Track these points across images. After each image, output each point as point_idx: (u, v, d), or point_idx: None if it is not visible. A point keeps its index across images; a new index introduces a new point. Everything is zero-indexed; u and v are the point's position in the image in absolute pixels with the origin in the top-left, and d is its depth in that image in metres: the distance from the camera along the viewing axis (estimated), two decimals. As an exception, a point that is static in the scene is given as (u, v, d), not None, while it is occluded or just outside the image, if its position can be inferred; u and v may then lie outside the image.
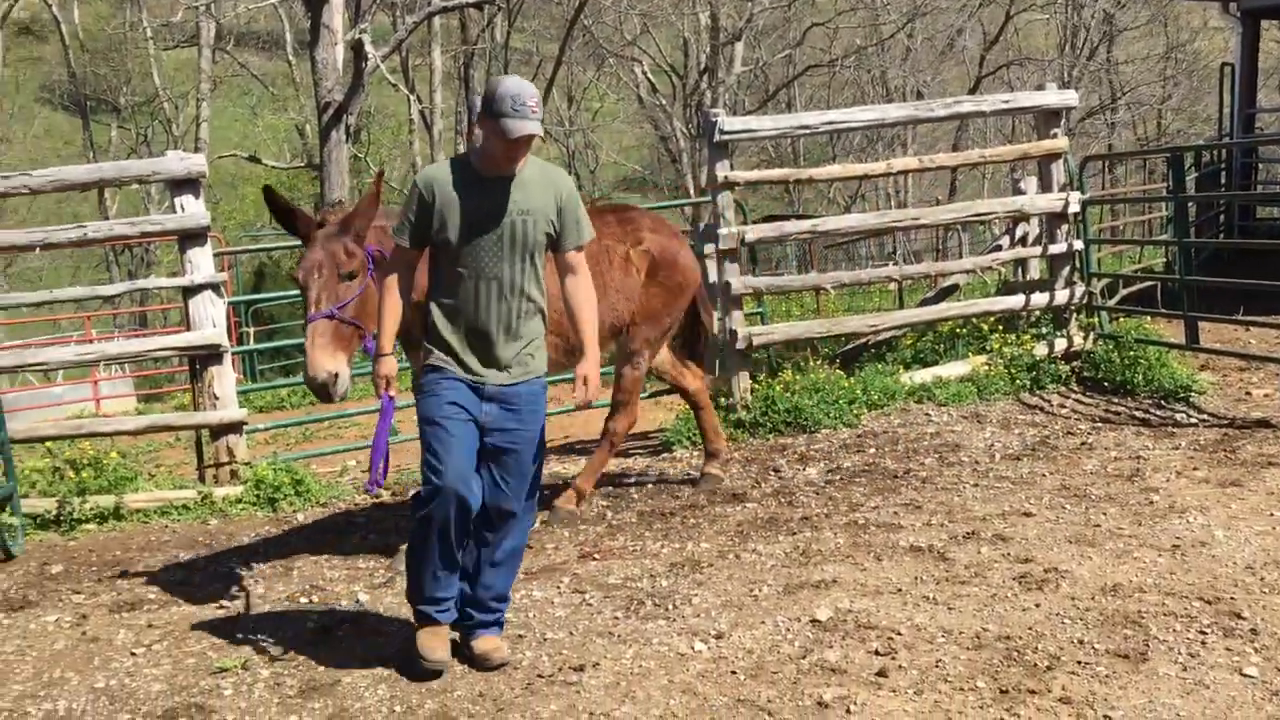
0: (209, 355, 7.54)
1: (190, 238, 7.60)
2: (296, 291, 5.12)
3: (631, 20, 29.92)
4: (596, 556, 5.82)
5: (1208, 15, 32.14)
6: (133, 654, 4.83)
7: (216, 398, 7.53)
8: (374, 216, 4.90)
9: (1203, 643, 4.27)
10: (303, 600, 5.38)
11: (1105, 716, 3.75)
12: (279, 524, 6.91)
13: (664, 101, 30.96)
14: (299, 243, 4.95)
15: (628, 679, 4.25)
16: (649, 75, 31.10)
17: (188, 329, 7.66)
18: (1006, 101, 9.70)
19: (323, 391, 4.69)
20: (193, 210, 7.57)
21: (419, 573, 4.41)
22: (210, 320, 7.54)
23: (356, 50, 16.13)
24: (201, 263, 7.59)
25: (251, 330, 17.18)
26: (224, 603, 5.46)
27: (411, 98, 29.01)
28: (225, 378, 7.58)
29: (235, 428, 7.57)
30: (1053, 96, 9.34)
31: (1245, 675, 4.00)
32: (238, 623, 5.17)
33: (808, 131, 9.31)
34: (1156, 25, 36.37)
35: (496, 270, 4.29)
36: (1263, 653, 4.16)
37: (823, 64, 30.65)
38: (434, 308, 4.38)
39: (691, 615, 4.86)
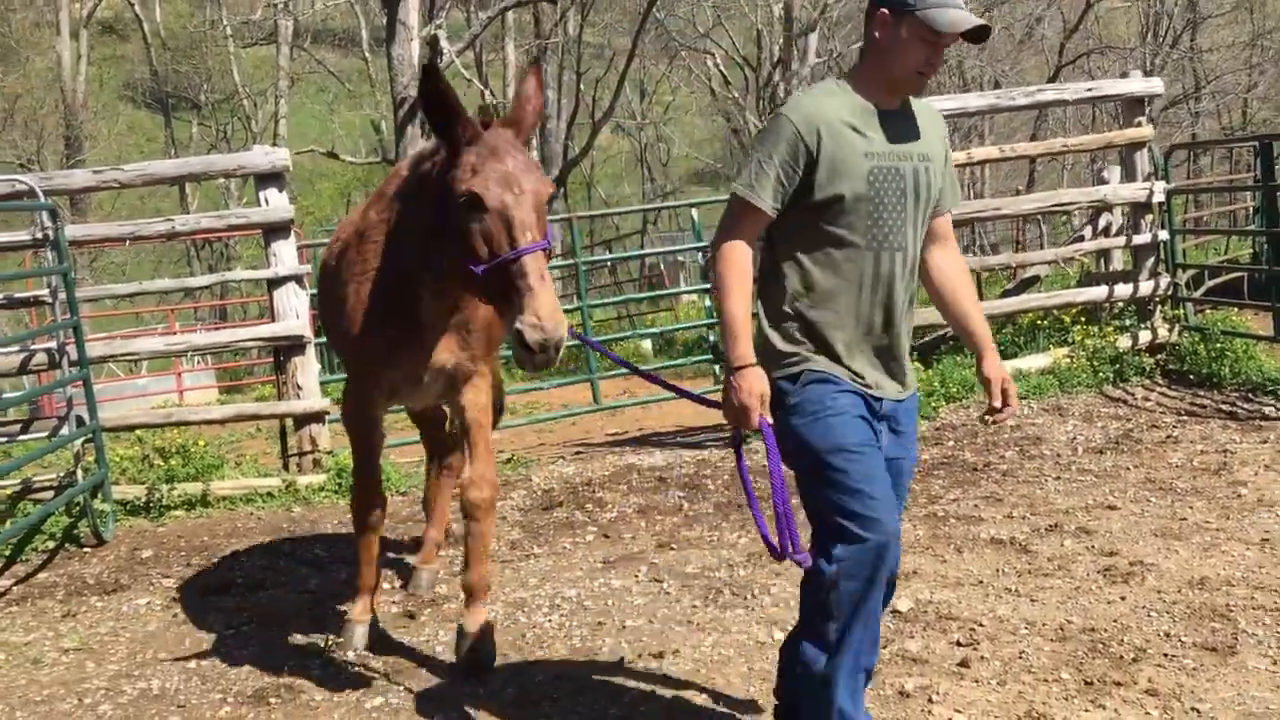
0: (292, 346, 7.68)
1: (274, 230, 7.75)
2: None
3: (704, 12, 29.87)
4: (674, 547, 5.84)
5: (1296, 0, 31.33)
6: (223, 636, 4.95)
7: (300, 388, 7.67)
8: (537, 121, 3.86)
9: (1297, 637, 4.19)
10: (385, 586, 5.46)
11: (1193, 709, 3.69)
12: (361, 511, 7.02)
13: (736, 94, 30.84)
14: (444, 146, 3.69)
15: (707, 666, 4.27)
16: (721, 68, 31.02)
17: (272, 320, 7.81)
18: (1090, 89, 9.53)
19: (554, 353, 3.35)
20: (277, 203, 7.71)
21: (833, 683, 3.09)
22: (294, 311, 7.69)
23: (432, 46, 16.30)
24: (285, 255, 7.73)
25: (329, 323, 17.45)
26: (310, 587, 5.58)
27: (486, 92, 29.22)
28: (309, 368, 7.72)
29: (318, 417, 7.71)
30: (1138, 84, 9.16)
31: (1340, 671, 3.92)
32: (323, 606, 5.27)
33: (885, 121, 9.22)
34: (1242, 12, 35.42)
35: (900, 238, 3.13)
36: (1358, 649, 4.07)
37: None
38: (801, 293, 3.14)
39: (770, 604, 4.86)
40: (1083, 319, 9.34)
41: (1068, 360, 8.88)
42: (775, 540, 3.07)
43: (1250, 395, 8.14)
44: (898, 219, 3.10)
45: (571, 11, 29.71)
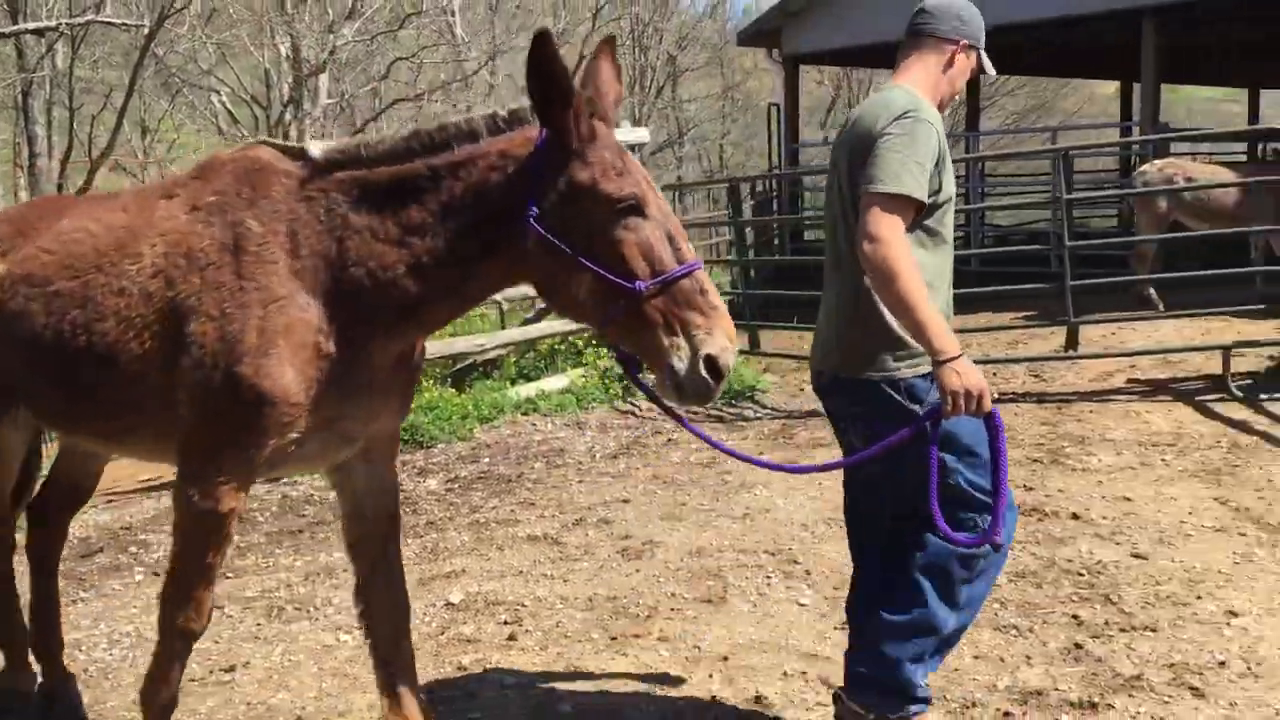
0: None
1: None
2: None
3: (207, 50, 29.05)
4: (230, 575, 6.01)
5: (757, 58, 35.63)
6: None
7: None
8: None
9: (768, 584, 5.20)
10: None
11: (695, 647, 4.53)
12: None
13: (246, 132, 30.26)
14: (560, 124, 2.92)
15: (279, 672, 4.58)
16: (228, 106, 30.31)
17: None
18: (587, 137, 10.63)
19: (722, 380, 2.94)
20: None
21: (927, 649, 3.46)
22: None
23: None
24: None
25: None
26: None
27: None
28: None
29: None
30: (627, 133, 10.38)
31: (801, 605, 4.95)
32: None
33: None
34: (714, 66, 39.78)
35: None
36: (814, 587, 5.14)
37: (409, 98, 31.12)
38: None
39: (333, 613, 5.23)
40: (594, 343, 10.40)
41: (583, 380, 9.87)
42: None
43: (734, 401, 9.50)
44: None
45: (60, 44, 27.82)
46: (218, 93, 30.28)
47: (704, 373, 2.86)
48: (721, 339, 2.88)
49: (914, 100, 3.34)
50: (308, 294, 3.08)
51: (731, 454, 3.65)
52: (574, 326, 10.35)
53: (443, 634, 4.82)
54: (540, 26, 2.88)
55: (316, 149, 3.21)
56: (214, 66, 30.01)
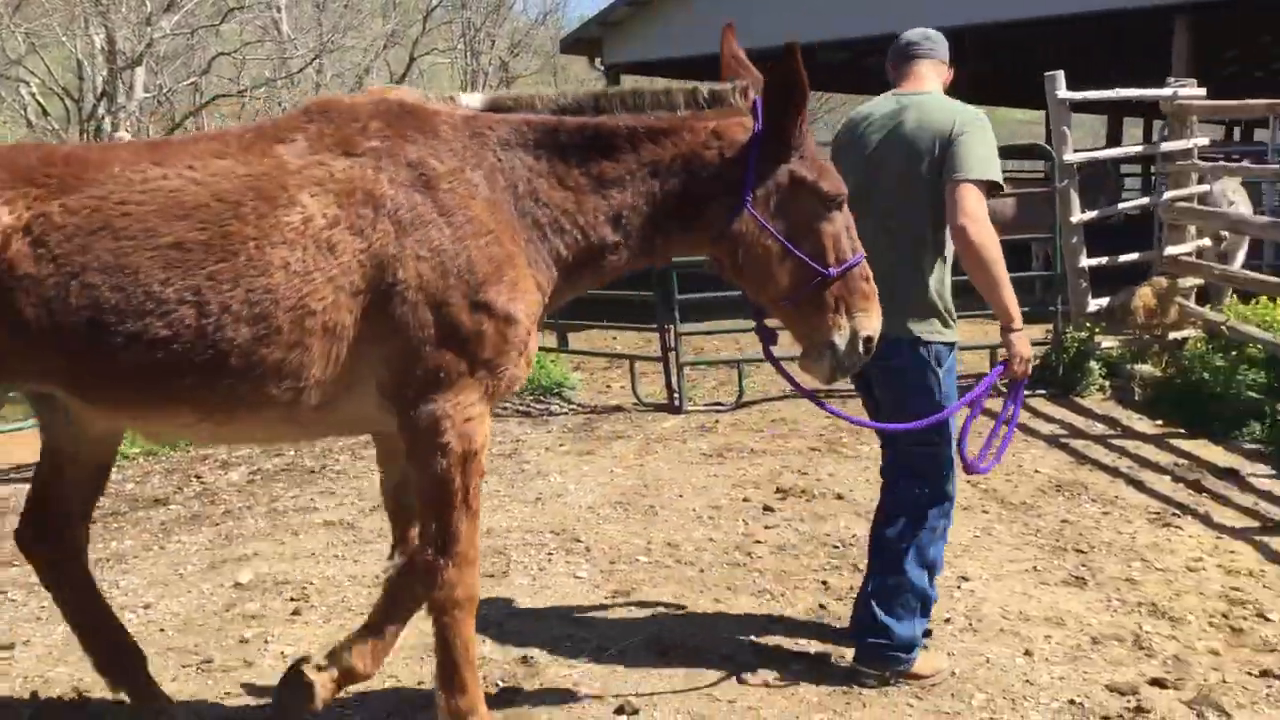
0: None
1: None
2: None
3: (16, 39, 27.91)
4: (16, 564, 5.97)
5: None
6: None
7: None
8: None
9: (549, 560, 5.49)
10: None
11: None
12: None
13: (57, 125, 29.15)
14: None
15: (60, 648, 4.64)
16: (38, 97, 29.14)
17: None
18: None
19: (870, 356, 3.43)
20: None
21: (928, 578, 4.17)
22: None
23: None
24: None
25: None
26: None
27: None
28: None
29: None
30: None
31: (577, 578, 5.26)
32: None
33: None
34: (547, 73, 40.10)
35: None
36: (592, 562, 5.46)
37: (231, 94, 30.47)
38: (940, 267, 4.00)
39: (120, 595, 5.29)
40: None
41: (394, 375, 9.98)
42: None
43: (542, 397, 9.77)
44: None
45: None
46: (27, 84, 29.06)
47: (860, 349, 3.36)
48: (876, 320, 3.38)
49: (967, 106, 3.95)
50: (508, 228, 3.16)
51: (856, 422, 4.23)
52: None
53: (227, 611, 4.95)
54: (789, 39, 3.16)
55: (473, 99, 3.30)
56: (23, 56, 28.81)
